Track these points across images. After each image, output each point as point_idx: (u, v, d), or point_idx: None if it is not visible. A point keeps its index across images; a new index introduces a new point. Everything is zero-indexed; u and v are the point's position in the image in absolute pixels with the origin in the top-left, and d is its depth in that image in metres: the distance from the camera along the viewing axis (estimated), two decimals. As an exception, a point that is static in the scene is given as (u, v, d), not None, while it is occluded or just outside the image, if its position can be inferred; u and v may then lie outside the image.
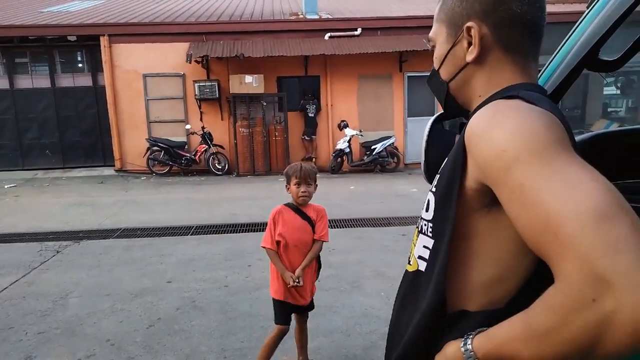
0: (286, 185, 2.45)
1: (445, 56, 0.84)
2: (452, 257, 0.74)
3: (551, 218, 0.56)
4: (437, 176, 0.80)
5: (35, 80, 10.89)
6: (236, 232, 5.50)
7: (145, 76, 10.53)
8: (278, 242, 2.39)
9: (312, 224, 2.43)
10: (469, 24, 0.78)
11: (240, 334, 3.03)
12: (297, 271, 2.36)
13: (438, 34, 0.86)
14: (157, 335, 3.04)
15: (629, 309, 0.49)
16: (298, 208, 2.44)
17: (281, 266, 2.37)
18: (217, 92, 10.21)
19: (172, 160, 10.22)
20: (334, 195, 7.81)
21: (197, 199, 7.91)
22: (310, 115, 10.77)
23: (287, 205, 2.46)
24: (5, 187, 9.22)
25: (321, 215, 2.48)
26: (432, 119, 1.02)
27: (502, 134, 0.64)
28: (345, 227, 5.73)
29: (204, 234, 5.57)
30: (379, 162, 10.33)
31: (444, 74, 0.86)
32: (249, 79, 10.02)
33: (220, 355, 2.78)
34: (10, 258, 4.74)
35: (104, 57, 10.31)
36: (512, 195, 0.62)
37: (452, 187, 0.73)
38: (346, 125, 10.36)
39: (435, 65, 0.88)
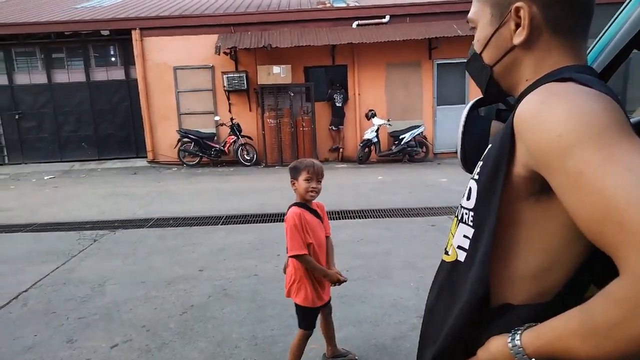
0: (292, 180, 2.34)
1: (490, 39, 0.79)
2: (496, 246, 0.71)
3: (615, 207, 0.53)
4: (480, 163, 0.77)
5: (71, 74, 11.26)
6: (264, 222, 5.56)
7: (175, 69, 10.72)
8: (308, 246, 2.27)
9: (320, 219, 2.40)
10: (518, 4, 0.73)
11: (271, 322, 3.07)
12: (336, 268, 2.36)
13: (480, 15, 0.81)
14: (190, 322, 3.11)
15: None
16: (308, 206, 2.34)
17: (322, 268, 2.28)
18: (245, 83, 10.29)
19: (202, 151, 10.39)
20: (362, 186, 7.78)
21: (226, 189, 8.03)
22: (337, 105, 10.72)
23: (299, 205, 2.32)
24: (45, 178, 9.62)
25: (324, 211, 2.46)
26: (468, 105, 0.99)
27: (557, 118, 0.61)
28: (374, 218, 5.70)
29: (233, 224, 5.65)
30: (407, 151, 10.19)
31: (487, 57, 0.81)
32: (276, 69, 10.04)
33: (251, 342, 2.83)
34: (50, 246, 4.96)
35: (136, 50, 10.54)
36: (569, 182, 0.59)
37: (498, 174, 0.70)
38: (374, 115, 10.25)
39: (477, 49, 0.83)
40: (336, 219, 5.59)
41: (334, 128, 10.88)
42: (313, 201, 2.39)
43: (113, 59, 11.59)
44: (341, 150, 10.96)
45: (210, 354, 2.72)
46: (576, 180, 0.58)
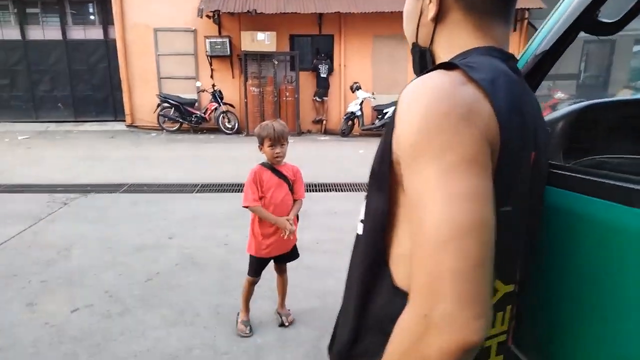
0: (259, 146, 2.46)
1: (419, 19, 0.78)
2: (383, 222, 0.71)
3: (427, 239, 0.56)
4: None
5: (46, 31, 10.80)
6: (241, 192, 5.51)
7: (156, 30, 10.36)
8: (261, 200, 2.44)
9: (288, 182, 2.49)
10: None
11: (236, 292, 3.05)
12: (291, 215, 2.45)
13: None
14: (154, 289, 3.10)
15: (446, 350, 0.52)
16: (274, 167, 2.47)
17: (273, 216, 2.41)
18: (228, 49, 10.02)
19: (182, 117, 10.19)
20: (343, 160, 7.75)
21: (205, 157, 7.92)
22: (322, 75, 10.55)
23: (263, 165, 2.48)
24: (19, 138, 9.36)
25: (298, 176, 2.54)
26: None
27: (414, 126, 0.60)
28: (350, 191, 5.69)
29: (209, 192, 5.60)
30: (390, 126, 10.14)
31: (408, 32, 0.81)
32: (261, 36, 9.78)
33: (213, 311, 2.83)
34: (19, 208, 4.85)
35: (115, 9, 10.13)
36: (409, 192, 0.60)
37: (385, 152, 0.68)
38: (359, 88, 10.13)
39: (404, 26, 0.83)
40: (314, 191, 5.57)
41: (318, 99, 10.74)
42: (288, 164, 2.52)
43: (92, 17, 11.14)
44: (324, 122, 10.86)
45: (172, 321, 2.71)
46: (412, 193, 0.59)
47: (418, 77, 0.74)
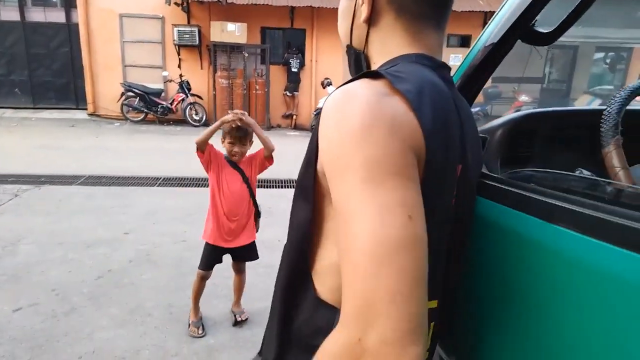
0: (221, 138, 2.46)
1: (354, 18, 0.75)
2: (309, 233, 0.69)
3: (355, 258, 0.52)
4: None
5: (3, 11, 10.25)
6: (203, 187, 5.40)
7: (122, 16, 9.99)
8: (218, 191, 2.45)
9: (243, 174, 2.48)
10: None
11: (190, 290, 2.98)
12: (257, 130, 2.42)
13: None
14: (104, 287, 2.98)
15: None
16: (231, 160, 2.48)
17: (215, 123, 2.41)
18: (197, 38, 9.78)
19: (148, 107, 9.89)
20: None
21: (170, 149, 7.72)
22: (293, 70, 10.46)
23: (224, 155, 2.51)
24: (-30, 124, 8.86)
25: (255, 156, 2.54)
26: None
27: (336, 140, 0.57)
28: (316, 188, 5.67)
29: (171, 186, 5.46)
30: (360, 123, 10.17)
31: (342, 34, 0.78)
32: (231, 27, 9.60)
33: (166, 310, 2.75)
34: (-36, 199, 4.58)
35: (78, -8, 9.70)
36: (336, 206, 0.57)
37: (310, 162, 0.66)
38: (330, 84, 10.10)
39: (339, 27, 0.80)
40: (280, 187, 5.52)
41: (288, 94, 10.65)
42: (247, 157, 2.51)
43: (53, -1, 10.63)
44: (294, 117, 10.79)
45: (121, 321, 2.61)
46: (340, 207, 0.55)
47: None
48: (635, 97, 0.86)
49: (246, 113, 2.41)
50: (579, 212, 0.59)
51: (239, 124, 2.33)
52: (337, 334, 0.52)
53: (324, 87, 10.18)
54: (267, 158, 2.52)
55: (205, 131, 2.41)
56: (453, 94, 0.70)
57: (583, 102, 10.36)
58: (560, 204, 0.63)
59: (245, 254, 2.60)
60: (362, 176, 0.53)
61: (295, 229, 0.72)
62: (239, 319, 2.63)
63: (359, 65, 0.77)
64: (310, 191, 0.66)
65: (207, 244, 2.53)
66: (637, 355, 0.51)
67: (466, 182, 0.71)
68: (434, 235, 0.65)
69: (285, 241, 0.78)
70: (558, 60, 12.36)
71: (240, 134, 2.38)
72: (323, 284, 0.68)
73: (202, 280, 2.57)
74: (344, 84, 0.62)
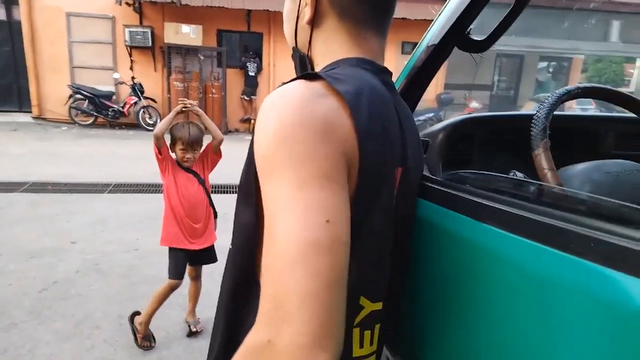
0: (170, 146, 2.38)
1: (298, 20, 0.74)
2: (252, 236, 0.67)
3: (275, 259, 0.51)
4: None
5: None
6: (157, 193, 5.24)
7: (69, 15, 9.56)
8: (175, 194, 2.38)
9: (198, 177, 2.44)
10: None
11: (142, 300, 2.87)
12: (206, 121, 2.44)
13: None
14: (48, 300, 2.83)
15: None
16: (183, 166, 2.43)
17: (170, 114, 2.36)
18: (150, 40, 9.52)
19: (98, 111, 9.50)
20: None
21: (121, 154, 7.44)
22: (250, 74, 10.38)
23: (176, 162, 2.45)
24: None
25: (204, 151, 2.50)
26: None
27: (267, 136, 0.57)
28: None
29: (122, 193, 5.26)
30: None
31: (287, 35, 0.78)
32: (186, 28, 9.41)
33: (115, 322, 2.64)
34: None
35: (20, -12, 9.19)
36: (265, 203, 0.56)
37: (250, 163, 0.64)
38: (287, 88, 10.09)
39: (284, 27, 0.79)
40: (235, 193, 5.45)
41: (246, 98, 10.56)
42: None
43: (-8, -6, 10.01)
44: (252, 121, 10.70)
45: (66, 334, 2.48)
46: (267, 205, 0.55)
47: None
48: (562, 102, 0.91)
49: (196, 103, 2.42)
50: (505, 210, 0.63)
51: (191, 111, 2.38)
52: (251, 335, 0.51)
53: (281, 92, 10.16)
54: (215, 152, 2.49)
55: (162, 122, 2.36)
56: (394, 99, 0.72)
57: (529, 109, 10.93)
58: (487, 203, 0.66)
59: (206, 256, 2.52)
60: (287, 176, 0.53)
61: (239, 233, 0.71)
62: (193, 330, 2.56)
63: (304, 68, 0.77)
64: (252, 194, 0.65)
65: (171, 249, 2.41)
66: (559, 343, 0.55)
67: (407, 184, 0.73)
68: (373, 238, 0.66)
69: (230, 246, 0.76)
70: (506, 69, 12.99)
71: (192, 139, 2.32)
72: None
73: (172, 290, 2.42)
74: (281, 84, 0.62)
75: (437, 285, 0.78)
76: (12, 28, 9.75)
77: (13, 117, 9.82)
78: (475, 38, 0.97)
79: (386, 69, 0.72)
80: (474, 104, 10.34)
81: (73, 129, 9.42)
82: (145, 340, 2.44)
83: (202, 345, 2.51)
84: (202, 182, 2.45)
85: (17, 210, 4.47)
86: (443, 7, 0.97)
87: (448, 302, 0.75)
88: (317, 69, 0.72)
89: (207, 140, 2.47)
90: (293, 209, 0.51)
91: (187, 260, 2.45)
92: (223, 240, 3.28)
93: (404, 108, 0.76)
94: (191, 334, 2.56)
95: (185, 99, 2.41)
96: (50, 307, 2.75)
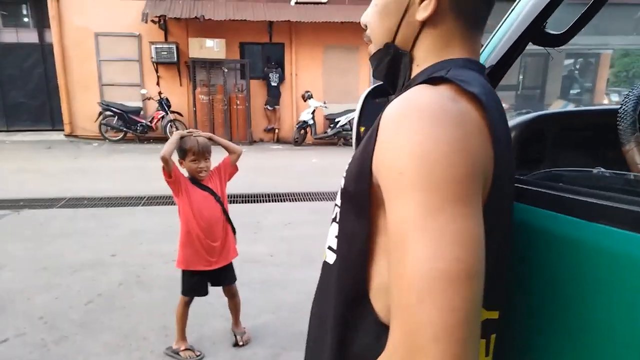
0: (179, 160, 2.34)
1: (402, 18, 0.69)
2: (364, 250, 0.63)
3: (406, 279, 0.50)
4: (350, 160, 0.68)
5: (-27, 33, 10.00)
6: (190, 204, 5.31)
7: (97, 35, 9.87)
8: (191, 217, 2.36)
9: (214, 194, 2.40)
10: None
11: (185, 311, 2.91)
12: (222, 140, 2.45)
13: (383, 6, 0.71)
14: (95, 313, 2.88)
15: None
16: (197, 181, 2.38)
17: (174, 137, 2.28)
18: (175, 55, 9.72)
19: (127, 126, 9.74)
20: (295, 168, 7.70)
21: (151, 168, 7.53)
22: (273, 84, 10.47)
23: (189, 179, 2.39)
24: (-60, 149, 8.55)
25: (221, 165, 2.48)
26: (365, 92, 0.91)
27: (402, 153, 0.53)
28: (302, 201, 5.64)
29: (155, 205, 5.35)
30: (342, 135, 10.23)
31: (381, 30, 0.72)
32: (209, 43, 9.57)
33: (160, 333, 2.66)
34: (-62, 227, 4.39)
35: (51, 11, 9.55)
36: (392, 224, 0.53)
37: (363, 173, 0.60)
38: (310, 96, 10.15)
39: (381, 35, 0.73)
40: (267, 202, 5.48)
41: (269, 108, 10.65)
42: (213, 170, 2.44)
43: (25, 19, 10.44)
44: (277, 131, 10.78)
45: (115, 347, 2.52)
46: (394, 228, 0.52)
47: (401, 90, 0.68)
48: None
49: (197, 131, 2.40)
50: (624, 209, 0.59)
51: (201, 136, 2.33)
52: (386, 358, 0.51)
53: (305, 100, 10.22)
54: (233, 165, 2.48)
55: (168, 144, 2.25)
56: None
57: (557, 107, 10.67)
58: (603, 203, 0.62)
59: (224, 276, 2.51)
60: (422, 199, 0.50)
61: (347, 247, 0.66)
62: (240, 342, 2.55)
63: (397, 66, 0.72)
64: (365, 206, 0.61)
65: (184, 271, 2.44)
66: None
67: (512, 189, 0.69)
68: (495, 245, 0.62)
69: (326, 258, 0.72)
70: (531, 68, 12.74)
71: (202, 148, 2.29)
72: (383, 303, 0.63)
73: (186, 306, 2.47)
74: (399, 94, 0.59)
75: (541, 290, 0.74)
76: (44, 50, 10.12)
77: (47, 136, 10.15)
78: (552, 32, 0.94)
79: (484, 67, 0.70)
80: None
81: (104, 144, 9.67)
82: (189, 350, 2.45)
83: (248, 354, 2.50)
84: (219, 198, 2.41)
85: (57, 225, 4.59)
86: (516, 2, 0.95)
87: (557, 308, 0.71)
88: (417, 68, 0.69)
89: (216, 153, 2.44)
90: (430, 236, 0.49)
91: (202, 280, 2.45)
92: (257, 249, 3.30)
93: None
94: (237, 345, 2.55)
95: (193, 130, 2.38)
96: (96, 320, 2.80)
